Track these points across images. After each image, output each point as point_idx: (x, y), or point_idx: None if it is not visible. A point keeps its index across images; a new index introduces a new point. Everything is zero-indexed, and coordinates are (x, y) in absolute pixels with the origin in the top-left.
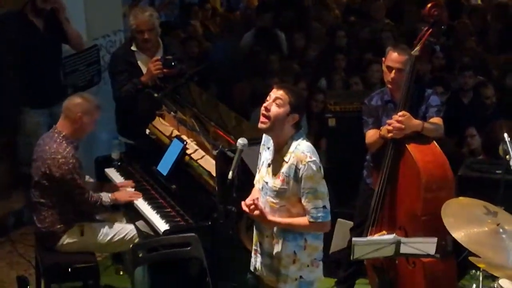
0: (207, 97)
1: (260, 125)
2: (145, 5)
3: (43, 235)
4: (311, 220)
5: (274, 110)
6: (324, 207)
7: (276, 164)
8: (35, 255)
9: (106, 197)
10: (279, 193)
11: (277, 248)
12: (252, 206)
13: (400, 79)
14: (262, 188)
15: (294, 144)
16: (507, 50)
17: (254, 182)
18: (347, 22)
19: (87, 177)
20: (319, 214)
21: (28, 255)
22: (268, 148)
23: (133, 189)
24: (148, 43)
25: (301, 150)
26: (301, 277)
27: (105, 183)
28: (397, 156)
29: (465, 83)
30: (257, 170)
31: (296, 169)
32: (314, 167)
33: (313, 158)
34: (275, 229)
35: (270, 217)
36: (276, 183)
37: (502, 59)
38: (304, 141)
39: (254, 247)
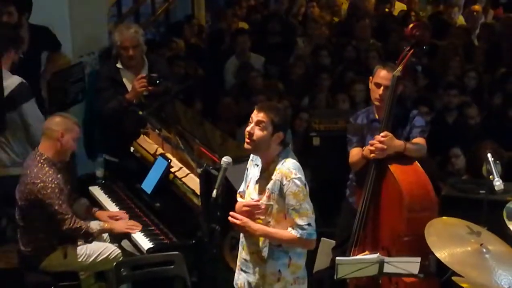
0: (192, 115)
1: (245, 146)
2: (130, 22)
3: (26, 257)
4: (298, 235)
5: (258, 133)
6: (308, 224)
7: (263, 181)
8: (18, 273)
9: (95, 225)
10: (265, 210)
11: (262, 266)
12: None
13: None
14: None
15: (281, 161)
16: (492, 70)
17: (237, 194)
18: (333, 42)
19: (81, 200)
20: (303, 231)
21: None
22: (257, 165)
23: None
24: (132, 60)
25: (287, 166)
26: None
27: (97, 210)
28: (379, 177)
29: (449, 102)
30: (244, 184)
31: (281, 185)
32: (299, 184)
33: (298, 175)
34: (261, 245)
35: (256, 225)
36: (262, 199)
37: (488, 78)
38: (291, 158)
39: (238, 263)
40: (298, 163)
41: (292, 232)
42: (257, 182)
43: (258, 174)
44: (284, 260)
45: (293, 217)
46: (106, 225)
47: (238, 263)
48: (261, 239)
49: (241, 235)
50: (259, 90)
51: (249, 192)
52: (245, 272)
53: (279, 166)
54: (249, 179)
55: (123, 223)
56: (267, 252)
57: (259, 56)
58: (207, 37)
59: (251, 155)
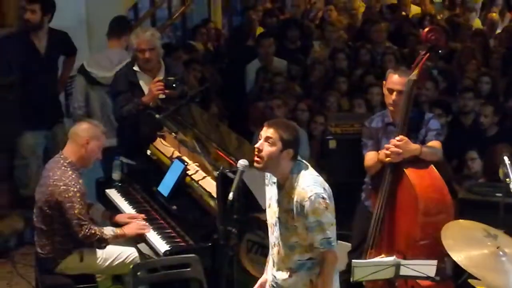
0: (208, 118)
1: (255, 165)
2: (147, 26)
3: (43, 260)
4: (322, 249)
5: (267, 149)
6: (329, 237)
7: (284, 200)
8: (35, 276)
9: (109, 231)
10: (292, 230)
11: (294, 282)
12: None
13: (402, 101)
14: (276, 223)
15: (295, 178)
16: (509, 73)
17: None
18: (350, 45)
19: (96, 205)
20: (326, 243)
21: (28, 275)
22: (274, 183)
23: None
24: (148, 63)
25: (301, 187)
26: None
27: (114, 214)
28: (395, 181)
29: (465, 105)
30: (267, 205)
31: (301, 206)
32: (317, 200)
33: (314, 191)
34: (290, 263)
35: None
36: (288, 220)
37: (504, 82)
38: (303, 173)
39: (269, 283)
40: (312, 175)
41: (321, 249)
42: (278, 200)
43: (277, 191)
44: (315, 270)
45: (317, 233)
46: (119, 231)
47: (269, 283)
48: (293, 260)
49: (270, 253)
50: (277, 93)
51: (274, 211)
52: None
53: (294, 185)
54: (270, 197)
55: (134, 226)
56: (296, 266)
57: (282, 60)
58: (227, 36)
59: (267, 174)
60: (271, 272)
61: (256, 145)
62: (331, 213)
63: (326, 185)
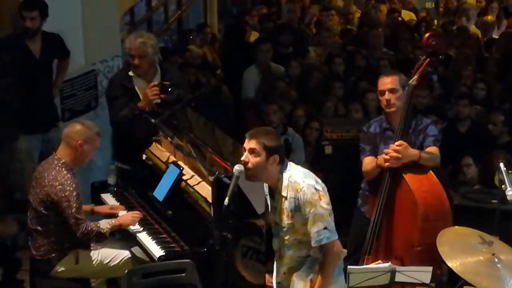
0: (204, 122)
1: (246, 178)
2: (143, 31)
3: (38, 262)
4: (315, 244)
5: (253, 161)
6: (325, 228)
7: (279, 201)
8: (30, 280)
9: (105, 224)
10: (289, 229)
11: (295, 282)
12: None
13: (396, 99)
14: (275, 228)
15: (286, 177)
16: (504, 79)
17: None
18: (346, 50)
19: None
20: (321, 237)
21: (23, 280)
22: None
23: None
24: (138, 69)
25: (294, 180)
26: None
27: (96, 206)
28: (394, 186)
29: (459, 112)
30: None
31: (295, 200)
32: (309, 190)
33: (306, 182)
34: (291, 262)
35: None
36: (284, 220)
37: (499, 88)
38: (291, 170)
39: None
40: (302, 169)
41: (314, 246)
42: (274, 206)
43: (271, 198)
44: (315, 267)
45: (309, 226)
46: (114, 221)
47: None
48: (293, 258)
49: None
50: (272, 99)
51: (273, 220)
52: None
53: (286, 183)
54: (270, 209)
55: (128, 217)
56: (296, 265)
57: (279, 66)
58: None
59: (264, 188)
60: (276, 278)
61: (242, 158)
62: (326, 203)
63: (317, 178)
